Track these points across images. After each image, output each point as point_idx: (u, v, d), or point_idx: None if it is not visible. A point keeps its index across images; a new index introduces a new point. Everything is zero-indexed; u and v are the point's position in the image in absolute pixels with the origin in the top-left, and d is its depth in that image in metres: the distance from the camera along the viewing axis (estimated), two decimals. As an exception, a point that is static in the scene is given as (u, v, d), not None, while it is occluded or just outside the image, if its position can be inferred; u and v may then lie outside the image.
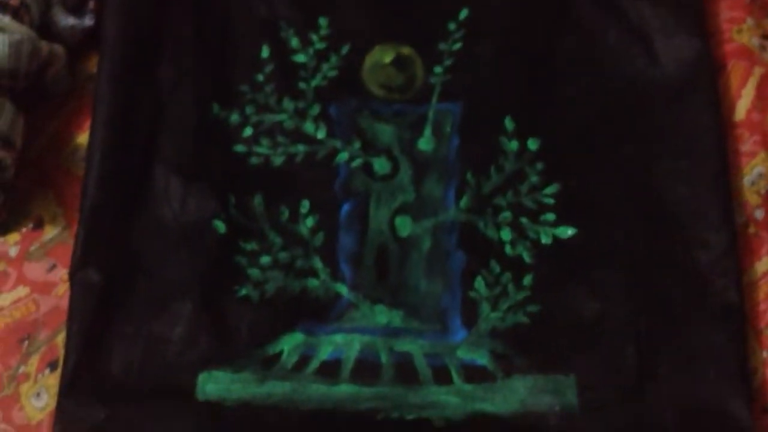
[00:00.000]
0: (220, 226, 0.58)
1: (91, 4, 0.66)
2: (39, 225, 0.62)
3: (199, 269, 0.57)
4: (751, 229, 0.60)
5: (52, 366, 0.57)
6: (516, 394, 0.54)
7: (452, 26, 0.65)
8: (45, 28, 0.65)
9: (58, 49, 0.64)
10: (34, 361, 0.57)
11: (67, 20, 0.66)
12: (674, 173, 0.59)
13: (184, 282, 0.56)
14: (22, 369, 0.57)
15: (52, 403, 0.55)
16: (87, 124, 0.63)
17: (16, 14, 0.62)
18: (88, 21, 0.66)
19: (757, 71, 0.65)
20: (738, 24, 0.67)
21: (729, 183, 0.58)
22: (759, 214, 0.60)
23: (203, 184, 0.59)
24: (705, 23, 0.63)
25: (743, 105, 0.64)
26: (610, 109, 0.61)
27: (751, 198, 0.61)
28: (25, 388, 0.57)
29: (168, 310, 0.56)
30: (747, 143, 0.62)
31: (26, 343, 0.58)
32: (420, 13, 0.65)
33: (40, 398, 0.56)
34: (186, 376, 0.54)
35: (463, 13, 0.65)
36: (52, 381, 0.57)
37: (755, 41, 0.66)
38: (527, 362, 0.55)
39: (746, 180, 0.61)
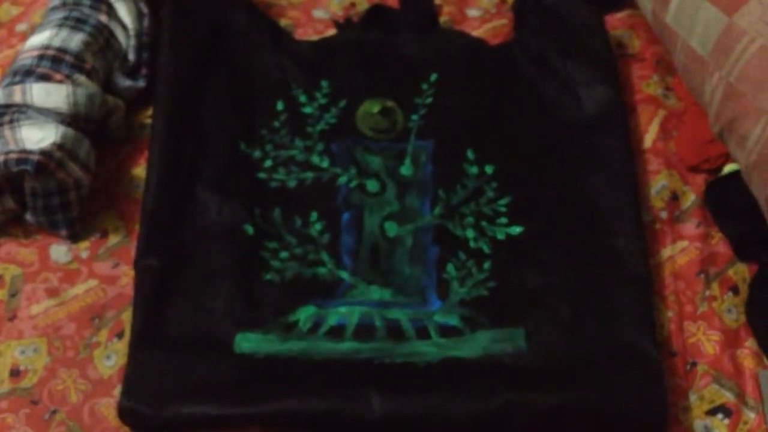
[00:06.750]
0: (249, 229, 0.75)
1: (144, 71, 0.85)
2: (104, 235, 0.78)
3: (234, 259, 0.73)
4: (657, 225, 0.77)
5: (119, 335, 0.72)
6: (480, 343, 0.69)
7: (425, 86, 0.84)
8: (108, 87, 0.83)
9: (119, 102, 0.82)
10: (104, 333, 0.72)
11: (125, 82, 0.84)
12: (597, 183, 0.76)
13: (222, 268, 0.72)
14: (94, 339, 0.72)
15: (120, 362, 0.69)
16: (141, 161, 0.80)
17: (89, 75, 0.80)
18: (141, 83, 0.85)
19: (661, 112, 0.84)
20: (646, 80, 0.86)
21: (637, 189, 0.76)
22: (663, 214, 0.78)
23: (234, 200, 0.76)
24: (617, 75, 0.82)
25: (650, 137, 0.82)
26: (548, 141, 0.80)
27: (657, 203, 0.78)
28: (97, 352, 0.71)
29: (211, 288, 0.71)
30: (653, 164, 0.81)
31: (96, 320, 0.72)
32: (400, 76, 0.85)
33: (110, 359, 0.71)
34: (226, 336, 0.69)
35: (433, 77, 0.85)
36: (119, 346, 0.71)
37: (660, 91, 0.85)
38: (488, 321, 0.70)
39: (653, 190, 0.79)
